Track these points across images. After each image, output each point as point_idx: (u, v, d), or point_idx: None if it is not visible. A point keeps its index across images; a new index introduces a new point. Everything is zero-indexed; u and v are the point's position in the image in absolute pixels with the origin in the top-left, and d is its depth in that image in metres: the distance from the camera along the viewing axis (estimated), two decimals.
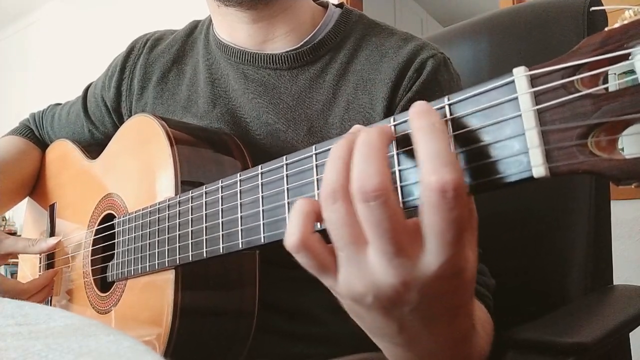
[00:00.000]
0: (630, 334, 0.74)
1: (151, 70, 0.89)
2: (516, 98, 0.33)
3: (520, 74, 0.33)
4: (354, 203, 0.35)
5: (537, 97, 0.32)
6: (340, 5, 0.85)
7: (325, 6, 0.86)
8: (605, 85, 0.30)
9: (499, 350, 0.64)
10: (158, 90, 0.87)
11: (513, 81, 0.33)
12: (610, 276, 0.89)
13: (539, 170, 0.32)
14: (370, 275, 0.37)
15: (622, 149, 0.30)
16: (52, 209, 1.01)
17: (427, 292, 0.37)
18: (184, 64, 0.88)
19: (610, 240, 0.90)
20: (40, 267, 1.00)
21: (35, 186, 1.09)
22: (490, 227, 0.92)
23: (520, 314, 0.72)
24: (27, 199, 1.10)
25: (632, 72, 0.29)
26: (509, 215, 0.95)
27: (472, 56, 0.96)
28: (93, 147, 0.97)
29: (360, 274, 0.37)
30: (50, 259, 0.97)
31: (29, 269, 1.04)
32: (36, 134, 1.11)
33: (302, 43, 0.79)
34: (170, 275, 0.65)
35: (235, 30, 0.81)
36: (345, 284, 0.39)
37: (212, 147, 0.72)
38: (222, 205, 0.58)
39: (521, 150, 0.33)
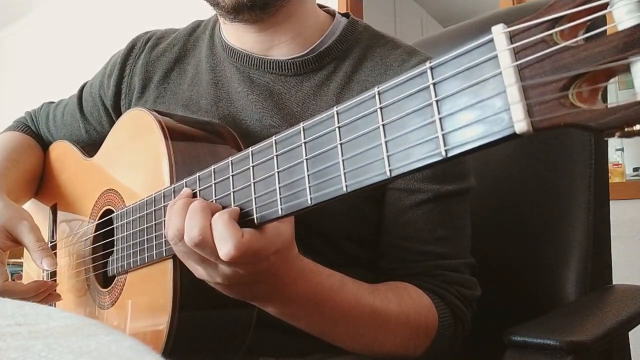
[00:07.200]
0: (630, 333, 0.74)
1: (152, 69, 0.89)
2: (496, 56, 0.33)
3: (499, 32, 0.33)
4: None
5: (517, 54, 0.32)
6: (346, 15, 0.86)
7: (332, 14, 0.86)
8: (584, 36, 0.30)
9: (499, 350, 0.63)
10: (160, 89, 0.87)
11: (492, 39, 0.33)
12: (610, 276, 0.89)
13: (521, 125, 0.32)
14: (207, 272, 0.58)
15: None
16: (53, 211, 1.01)
17: (231, 280, 0.57)
18: (186, 63, 0.88)
19: (610, 240, 0.90)
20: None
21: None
22: (490, 228, 0.92)
23: (520, 314, 0.72)
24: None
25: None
26: (509, 215, 0.95)
27: None
28: (91, 146, 0.97)
29: (205, 272, 0.58)
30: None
31: (33, 271, 1.03)
32: (35, 131, 1.09)
33: (308, 50, 0.80)
34: (169, 265, 0.65)
35: (242, 36, 0.82)
36: (208, 274, 0.58)
37: (206, 138, 0.72)
38: (215, 195, 0.58)
39: (502, 107, 0.33)
